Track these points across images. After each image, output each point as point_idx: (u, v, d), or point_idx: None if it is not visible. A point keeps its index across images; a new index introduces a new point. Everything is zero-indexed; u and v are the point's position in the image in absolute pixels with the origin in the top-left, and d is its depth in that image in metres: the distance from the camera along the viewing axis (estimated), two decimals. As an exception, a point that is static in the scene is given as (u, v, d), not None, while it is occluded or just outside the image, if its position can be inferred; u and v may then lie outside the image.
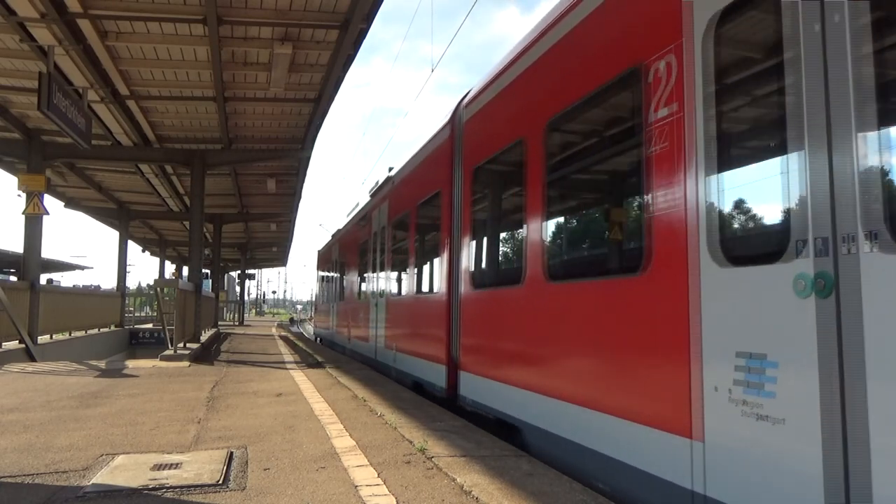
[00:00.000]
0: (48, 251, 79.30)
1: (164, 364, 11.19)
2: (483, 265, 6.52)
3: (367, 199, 13.91)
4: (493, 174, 6.43)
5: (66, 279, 70.46)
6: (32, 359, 11.95)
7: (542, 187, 4.88)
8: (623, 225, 4.78)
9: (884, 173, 2.39)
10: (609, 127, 4.62)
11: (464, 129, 7.01)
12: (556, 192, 4.98)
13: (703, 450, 3.02)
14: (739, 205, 3.28)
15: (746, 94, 3.33)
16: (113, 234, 28.48)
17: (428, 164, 8.56)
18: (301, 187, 21.35)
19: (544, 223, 4.89)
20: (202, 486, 3.67)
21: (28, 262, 13.46)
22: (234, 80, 11.92)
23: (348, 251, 16.33)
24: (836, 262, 2.43)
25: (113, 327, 21.07)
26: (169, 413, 6.15)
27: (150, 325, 25.84)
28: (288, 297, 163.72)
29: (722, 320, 2.96)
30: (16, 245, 35.22)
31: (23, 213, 13.30)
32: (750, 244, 3.30)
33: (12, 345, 11.83)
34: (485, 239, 6.64)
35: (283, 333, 26.83)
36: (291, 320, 71.72)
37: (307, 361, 12.38)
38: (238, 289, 49.42)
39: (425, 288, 8.81)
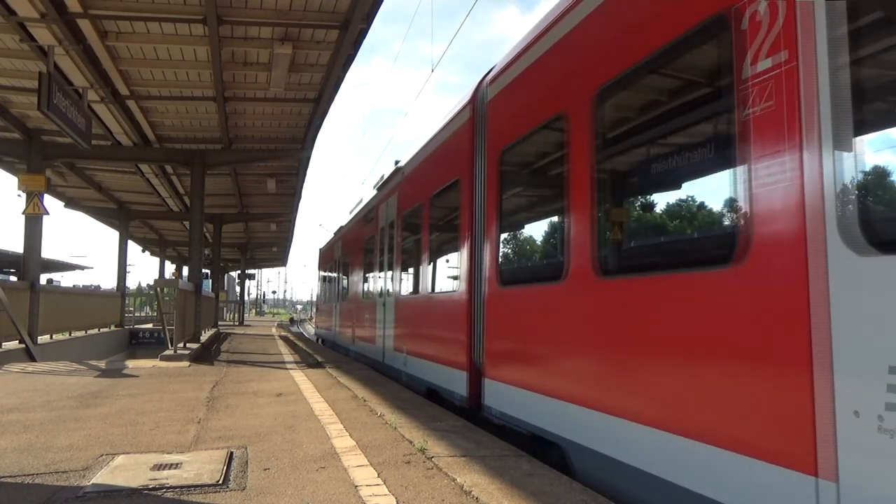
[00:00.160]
0: (48, 251, 79.54)
1: (164, 364, 11.20)
2: (513, 260, 5.91)
3: (373, 193, 13.22)
4: (525, 156, 5.71)
5: (66, 279, 70.74)
6: (32, 359, 11.96)
7: (591, 168, 4.21)
8: (704, 207, 3.84)
9: None
10: (682, 90, 3.88)
11: (487, 108, 6.30)
12: (606, 172, 4.22)
13: (836, 492, 2.36)
14: (887, 175, 2.57)
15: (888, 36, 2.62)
16: (113, 234, 28.60)
17: (443, 151, 7.81)
18: (301, 187, 21.37)
19: (593, 210, 4.19)
20: (202, 486, 3.68)
21: (28, 262, 13.48)
22: (234, 80, 11.93)
23: (353, 249, 15.54)
24: None
25: (113, 327, 21.08)
26: (169, 413, 6.16)
27: (150, 325, 25.86)
28: (288, 297, 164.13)
29: (863, 325, 2.30)
30: (16, 245, 35.33)
31: (23, 213, 13.32)
32: None
33: (12, 345, 11.84)
34: (514, 230, 5.99)
35: (283, 333, 26.82)
36: (291, 320, 71.69)
37: (307, 361, 12.38)
38: (238, 289, 49.49)
39: (441, 286, 8.01)
